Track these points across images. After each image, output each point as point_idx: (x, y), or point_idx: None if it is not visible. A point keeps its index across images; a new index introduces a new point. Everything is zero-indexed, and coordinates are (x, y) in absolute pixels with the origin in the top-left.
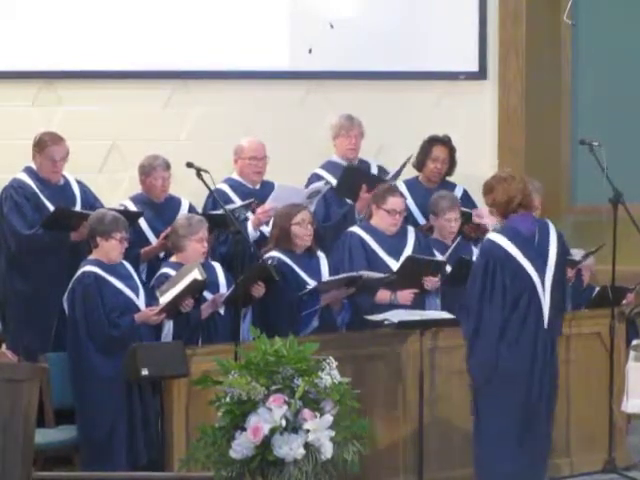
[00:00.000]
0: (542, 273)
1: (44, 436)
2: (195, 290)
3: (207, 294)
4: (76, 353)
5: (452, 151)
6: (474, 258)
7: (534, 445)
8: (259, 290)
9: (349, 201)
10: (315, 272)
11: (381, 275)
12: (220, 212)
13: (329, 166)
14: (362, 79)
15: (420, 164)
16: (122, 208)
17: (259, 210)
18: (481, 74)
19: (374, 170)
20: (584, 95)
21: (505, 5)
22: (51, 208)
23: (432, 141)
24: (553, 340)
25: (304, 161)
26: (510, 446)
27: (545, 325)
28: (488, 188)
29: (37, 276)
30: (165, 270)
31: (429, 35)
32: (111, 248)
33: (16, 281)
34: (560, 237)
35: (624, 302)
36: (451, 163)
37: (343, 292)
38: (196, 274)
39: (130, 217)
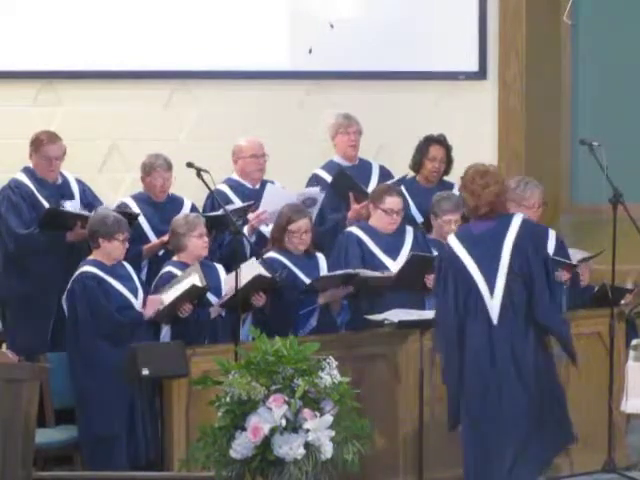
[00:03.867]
0: (492, 270)
1: (44, 436)
2: (194, 296)
3: (210, 296)
4: (78, 351)
5: (448, 150)
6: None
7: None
8: (259, 300)
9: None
10: (313, 273)
11: (379, 274)
12: (217, 213)
13: (330, 166)
14: (362, 79)
15: (417, 164)
16: (120, 207)
17: (252, 217)
18: (481, 74)
19: (375, 171)
20: (584, 95)
21: (505, 5)
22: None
23: (428, 141)
24: (512, 336)
25: (304, 161)
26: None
27: (494, 322)
28: (463, 185)
29: (34, 276)
30: (168, 269)
31: (429, 35)
32: (114, 249)
33: (13, 281)
34: (524, 227)
35: (622, 302)
36: (448, 162)
37: (341, 291)
38: (196, 280)
39: (127, 218)
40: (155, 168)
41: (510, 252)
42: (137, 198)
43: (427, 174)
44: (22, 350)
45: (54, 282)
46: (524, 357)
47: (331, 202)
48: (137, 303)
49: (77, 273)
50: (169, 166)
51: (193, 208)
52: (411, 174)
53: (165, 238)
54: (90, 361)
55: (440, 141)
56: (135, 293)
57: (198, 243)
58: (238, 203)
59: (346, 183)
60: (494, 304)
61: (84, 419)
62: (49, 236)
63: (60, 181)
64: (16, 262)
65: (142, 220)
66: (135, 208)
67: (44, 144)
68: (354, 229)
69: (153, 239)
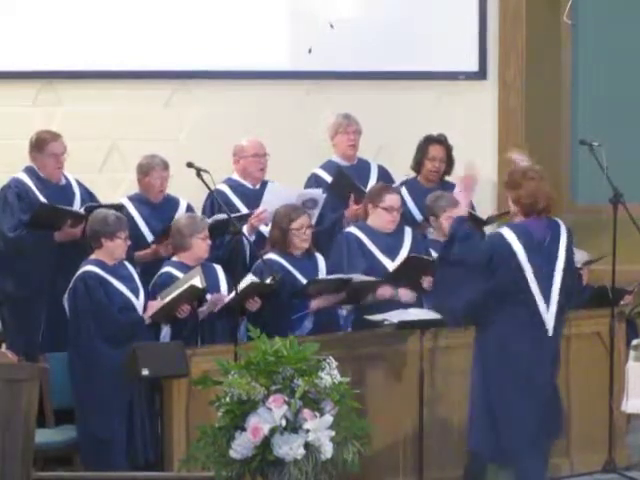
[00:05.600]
0: (547, 282)
1: (44, 436)
2: (192, 297)
3: (209, 296)
4: (79, 350)
5: (449, 150)
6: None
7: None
8: (254, 305)
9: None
10: (312, 274)
11: (370, 278)
12: (220, 217)
13: (329, 166)
14: (362, 79)
15: (418, 165)
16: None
17: (253, 216)
18: (481, 74)
19: (374, 171)
20: (584, 95)
21: (505, 5)
22: None
23: (428, 141)
24: (557, 346)
25: (304, 161)
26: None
27: (550, 333)
28: (515, 183)
29: (23, 278)
30: (167, 269)
31: (429, 35)
32: (116, 247)
33: (6, 282)
34: (570, 237)
35: (622, 303)
36: (449, 162)
37: (333, 298)
38: (196, 281)
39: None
40: (153, 167)
41: (563, 265)
42: (133, 199)
43: (427, 174)
44: (16, 351)
45: (44, 284)
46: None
47: (331, 202)
48: (138, 303)
49: (80, 272)
50: (166, 165)
51: (189, 208)
52: (411, 175)
53: (161, 250)
54: (90, 361)
55: (440, 141)
56: (136, 293)
57: (202, 245)
58: (238, 203)
59: (345, 184)
60: (550, 316)
61: (83, 420)
62: (37, 237)
63: (63, 182)
64: (7, 263)
65: (139, 221)
66: (132, 209)
67: (48, 142)
68: (353, 229)
69: (151, 239)
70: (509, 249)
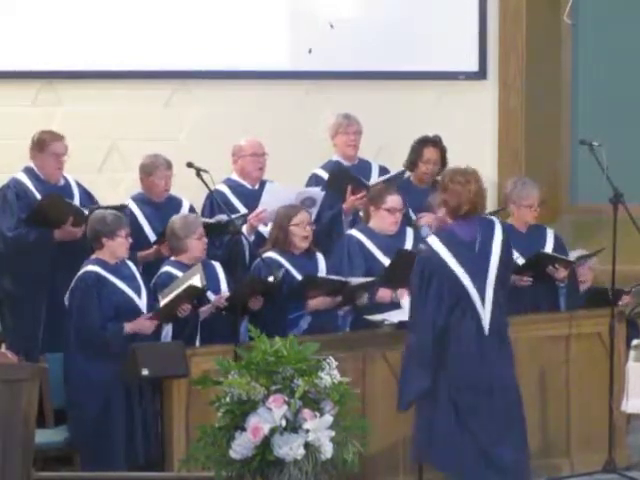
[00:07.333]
0: (482, 280)
1: (44, 436)
2: (192, 296)
3: (210, 295)
4: (68, 353)
5: (443, 151)
6: None
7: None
8: (256, 304)
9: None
10: (312, 273)
11: (364, 279)
12: (213, 221)
13: (329, 166)
14: (362, 79)
15: (412, 165)
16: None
17: (251, 216)
18: (481, 74)
19: (375, 170)
20: (584, 95)
21: (505, 5)
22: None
23: (422, 142)
24: (500, 345)
25: (304, 161)
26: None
27: (486, 332)
28: (443, 186)
29: (22, 277)
30: (167, 269)
31: (429, 35)
32: (118, 246)
33: (5, 281)
34: (506, 236)
35: (620, 303)
36: (443, 163)
37: (330, 302)
38: (196, 280)
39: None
40: (157, 167)
41: (497, 263)
42: (137, 199)
43: (420, 175)
44: (16, 351)
45: (43, 283)
46: (507, 367)
47: (328, 200)
48: (141, 302)
49: (80, 272)
50: (169, 165)
51: (191, 209)
52: (408, 172)
53: (163, 250)
54: (75, 364)
55: (435, 142)
56: (138, 292)
57: (198, 244)
58: (237, 204)
59: (343, 177)
60: (486, 314)
61: (81, 420)
62: (36, 235)
63: (62, 182)
64: (7, 263)
65: (142, 221)
66: (135, 209)
67: (48, 142)
68: (354, 232)
69: (154, 239)
70: (439, 258)
